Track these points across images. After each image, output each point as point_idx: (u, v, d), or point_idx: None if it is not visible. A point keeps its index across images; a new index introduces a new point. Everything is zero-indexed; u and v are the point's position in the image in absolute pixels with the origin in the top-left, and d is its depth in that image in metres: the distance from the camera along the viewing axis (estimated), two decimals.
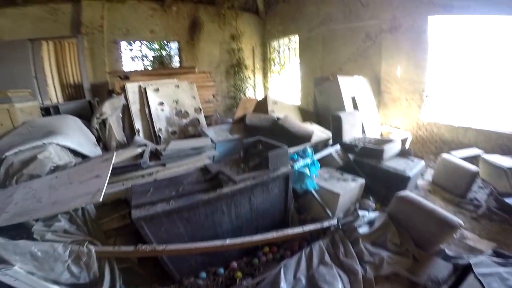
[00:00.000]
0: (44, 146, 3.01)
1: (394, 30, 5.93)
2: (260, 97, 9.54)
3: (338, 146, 3.75)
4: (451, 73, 5.34)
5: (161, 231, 1.91)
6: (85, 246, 1.70)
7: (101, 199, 1.85)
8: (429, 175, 4.39)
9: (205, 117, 5.25)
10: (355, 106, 5.27)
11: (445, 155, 4.09)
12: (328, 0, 7.33)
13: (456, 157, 4.01)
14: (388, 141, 3.84)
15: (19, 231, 1.81)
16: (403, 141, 5.20)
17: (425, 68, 5.54)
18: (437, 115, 5.56)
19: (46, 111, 5.05)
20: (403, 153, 3.81)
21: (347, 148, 3.72)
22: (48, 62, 5.44)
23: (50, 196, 2.03)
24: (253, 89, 9.77)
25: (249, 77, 9.53)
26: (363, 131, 4.82)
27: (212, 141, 3.65)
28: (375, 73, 6.31)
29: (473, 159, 4.04)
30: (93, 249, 1.70)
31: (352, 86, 5.52)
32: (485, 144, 4.75)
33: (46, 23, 6.26)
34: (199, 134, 4.44)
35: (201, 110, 5.01)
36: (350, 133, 4.07)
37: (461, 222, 2.15)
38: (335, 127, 3.98)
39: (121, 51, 7.42)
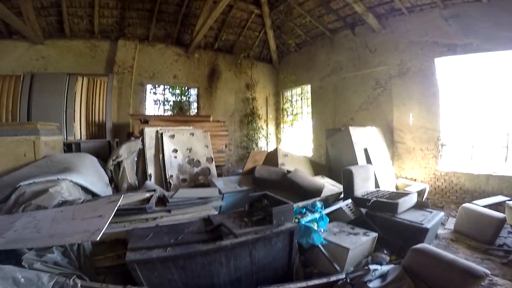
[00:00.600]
0: (57, 181, 3.14)
1: (402, 75, 6.15)
2: (271, 148, 9.73)
3: (349, 201, 3.67)
4: (466, 117, 5.32)
5: (154, 275, 1.86)
6: (71, 279, 1.66)
7: (98, 239, 1.84)
8: (451, 224, 4.23)
9: (217, 166, 5.34)
10: (368, 158, 5.21)
11: (465, 205, 3.98)
12: (338, 48, 7.80)
13: (478, 205, 3.91)
14: (403, 194, 3.70)
15: (10, 256, 1.81)
16: (420, 193, 4.98)
17: (438, 113, 5.57)
18: (456, 164, 5.41)
19: (68, 147, 5.34)
20: (420, 205, 3.65)
21: (359, 202, 3.63)
22: (79, 98, 5.87)
23: (50, 229, 2.05)
24: (265, 140, 9.93)
25: (262, 127, 9.78)
26: (377, 185, 4.70)
27: (220, 191, 3.68)
28: (387, 122, 6.36)
29: (498, 206, 3.94)
30: (79, 283, 1.67)
31: (364, 137, 5.51)
32: (511, 190, 4.51)
33: (85, 59, 7.13)
34: (209, 184, 4.50)
35: (212, 159, 5.13)
36: (363, 187, 3.99)
37: (487, 271, 1.99)
38: (346, 181, 3.96)
39: (145, 94, 8.04)
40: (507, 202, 3.66)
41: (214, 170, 5.02)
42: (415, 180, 5.82)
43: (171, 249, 1.90)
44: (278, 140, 10.25)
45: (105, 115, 6.22)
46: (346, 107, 7.47)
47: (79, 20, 6.96)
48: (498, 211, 3.71)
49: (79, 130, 5.83)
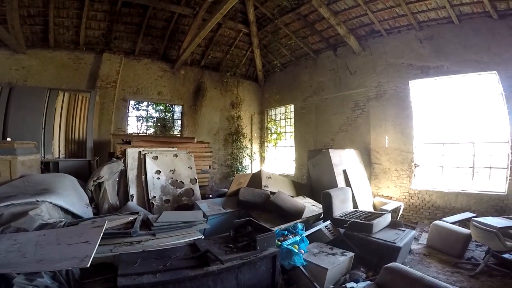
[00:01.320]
0: (37, 203, 3.11)
1: (379, 97, 6.62)
2: (256, 167, 9.90)
3: (328, 222, 3.92)
4: (437, 138, 5.82)
5: None
6: None
7: (88, 265, 1.89)
8: (424, 239, 4.59)
9: (200, 186, 5.39)
10: (347, 179, 5.53)
11: (436, 222, 4.37)
12: (321, 69, 8.26)
13: (447, 222, 4.31)
14: (378, 215, 3.99)
15: None
16: (396, 210, 5.34)
17: (411, 136, 6.02)
18: (428, 183, 5.85)
19: (46, 166, 5.20)
20: (394, 224, 3.94)
21: (337, 223, 3.87)
22: (59, 114, 5.68)
23: (36, 253, 2.07)
24: (249, 158, 10.04)
25: (246, 146, 9.93)
26: (355, 205, 4.98)
27: (204, 214, 3.77)
28: (365, 143, 6.79)
29: (466, 222, 4.29)
30: None
31: (343, 159, 5.87)
32: (478, 206, 4.98)
33: (68, 71, 7.05)
34: (192, 205, 4.54)
35: (196, 180, 5.17)
36: (341, 209, 4.25)
37: (450, 287, 2.19)
38: (326, 204, 4.19)
39: (128, 110, 8.01)
40: (472, 219, 4.00)
41: (198, 191, 5.07)
42: (391, 198, 6.21)
43: (160, 274, 1.99)
44: (262, 158, 10.43)
45: (86, 133, 6.09)
46: (327, 128, 7.88)
47: (64, 30, 6.97)
48: (465, 227, 4.12)
49: (57, 148, 5.67)
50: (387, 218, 3.94)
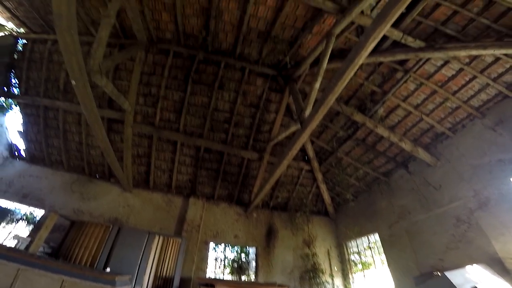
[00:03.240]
0: None
1: (484, 206, 5.71)
2: None
3: None
4: None
5: None
6: None
7: None
8: None
9: None
10: None
11: None
12: (398, 191, 7.80)
13: None
14: None
15: None
16: None
17: None
18: None
19: None
20: None
21: None
22: (153, 254, 6.42)
23: None
24: None
25: (327, 281, 8.72)
26: None
27: None
28: (489, 255, 5.42)
29: None
30: None
31: (466, 277, 4.71)
32: None
33: (162, 213, 8.17)
34: None
35: None
36: None
37: None
38: None
39: (208, 252, 8.27)
40: None
41: None
42: None
43: None
44: None
45: (174, 272, 6.71)
46: (429, 249, 6.63)
47: (161, 173, 8.74)
48: None
49: (146, 282, 5.89)
50: None
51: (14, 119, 8.89)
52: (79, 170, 8.70)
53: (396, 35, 5.71)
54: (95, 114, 5.05)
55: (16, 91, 8.29)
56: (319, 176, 9.66)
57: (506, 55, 5.42)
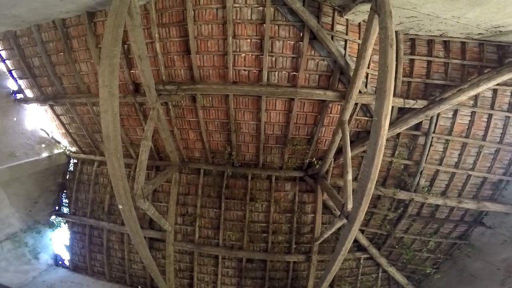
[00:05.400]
0: None
1: None
2: None
3: None
4: None
5: None
6: None
7: None
8: None
9: None
10: None
11: None
12: (490, 249, 7.09)
13: None
14: None
15: None
16: None
17: None
18: None
19: None
20: None
21: None
22: None
23: None
24: None
25: None
26: None
27: None
28: None
29: None
30: None
31: None
32: None
33: None
34: None
35: None
36: None
37: None
38: None
39: None
40: None
41: None
42: None
43: None
44: None
45: None
46: None
47: (205, 285, 8.51)
48: None
49: None
50: None
51: (61, 234, 9.59)
52: (121, 281, 9.03)
53: (398, 101, 6.22)
54: (140, 236, 5.39)
55: (66, 210, 9.44)
56: (383, 261, 8.76)
57: (498, 84, 5.87)
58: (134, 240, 5.41)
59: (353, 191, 5.41)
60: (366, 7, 4.96)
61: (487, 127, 6.35)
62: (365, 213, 8.13)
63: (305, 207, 8.21)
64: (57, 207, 9.54)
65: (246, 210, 8.15)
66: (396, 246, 8.42)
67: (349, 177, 5.48)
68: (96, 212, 9.06)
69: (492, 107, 6.21)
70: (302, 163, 7.78)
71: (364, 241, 8.62)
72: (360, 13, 5.41)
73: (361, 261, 8.89)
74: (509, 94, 6.09)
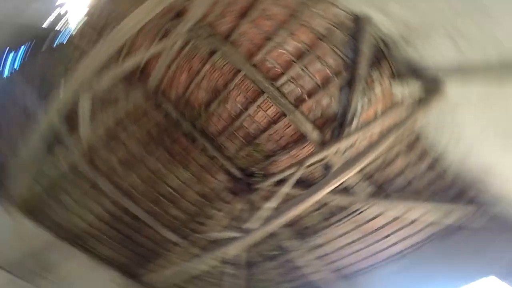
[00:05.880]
0: None
1: None
2: None
3: None
4: None
5: None
6: None
7: None
8: None
9: None
10: None
11: None
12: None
13: None
14: None
15: None
16: None
17: None
18: None
19: None
20: None
21: None
22: None
23: None
24: None
25: None
26: None
27: None
28: None
29: None
30: None
31: None
32: None
33: None
34: None
35: None
36: None
37: None
38: None
39: None
40: None
41: None
42: None
43: None
44: None
45: None
46: None
47: None
48: None
49: None
50: None
51: None
52: None
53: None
54: None
55: None
56: None
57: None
58: None
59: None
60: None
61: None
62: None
63: (218, 203, 7.86)
64: None
65: (170, 170, 7.57)
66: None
67: (273, 205, 5.47)
68: None
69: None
70: (247, 168, 7.87)
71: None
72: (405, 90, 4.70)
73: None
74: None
